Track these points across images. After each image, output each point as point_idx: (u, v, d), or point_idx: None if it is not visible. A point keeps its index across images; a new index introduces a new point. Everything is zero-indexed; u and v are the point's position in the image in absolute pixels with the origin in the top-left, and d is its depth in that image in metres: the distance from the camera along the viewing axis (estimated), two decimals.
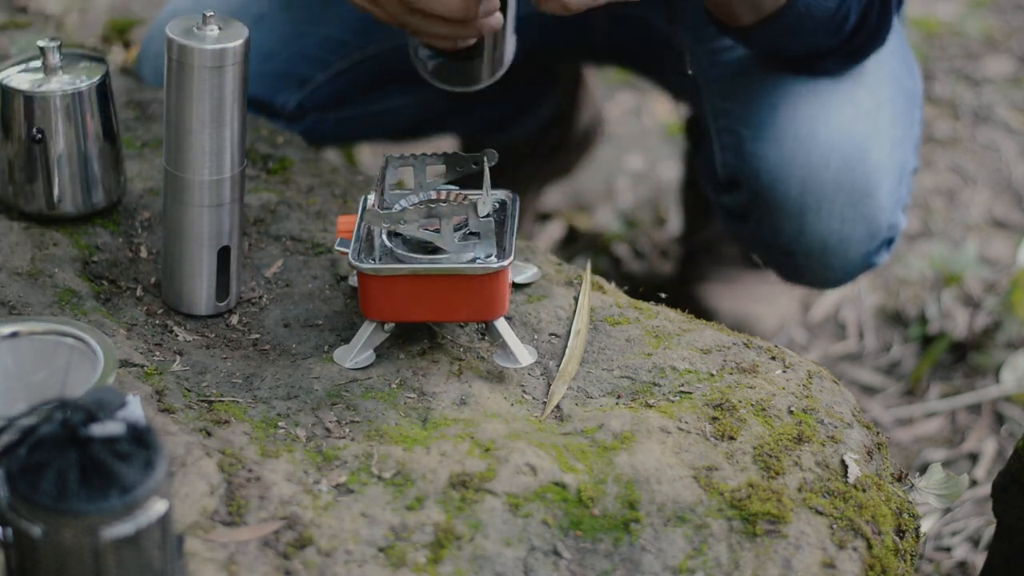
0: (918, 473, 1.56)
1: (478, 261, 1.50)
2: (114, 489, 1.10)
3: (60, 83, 1.67)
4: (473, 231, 1.50)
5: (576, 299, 1.63)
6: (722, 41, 1.92)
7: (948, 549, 2.16)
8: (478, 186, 1.55)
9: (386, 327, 1.54)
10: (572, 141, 2.65)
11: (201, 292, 1.60)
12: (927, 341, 2.55)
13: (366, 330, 1.53)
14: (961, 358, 2.51)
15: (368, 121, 2.22)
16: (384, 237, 1.53)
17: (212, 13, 1.50)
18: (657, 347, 1.57)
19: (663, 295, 1.70)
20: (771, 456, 1.43)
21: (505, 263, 1.49)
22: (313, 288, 1.66)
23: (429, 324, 1.57)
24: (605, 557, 1.34)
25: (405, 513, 1.35)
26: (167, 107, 1.53)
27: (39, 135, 1.67)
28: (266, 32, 2.02)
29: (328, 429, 1.44)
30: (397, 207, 1.55)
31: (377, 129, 2.30)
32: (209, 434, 1.42)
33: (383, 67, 2.11)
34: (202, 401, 1.48)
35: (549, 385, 1.52)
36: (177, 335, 1.59)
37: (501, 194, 1.60)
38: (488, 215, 1.51)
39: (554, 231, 2.79)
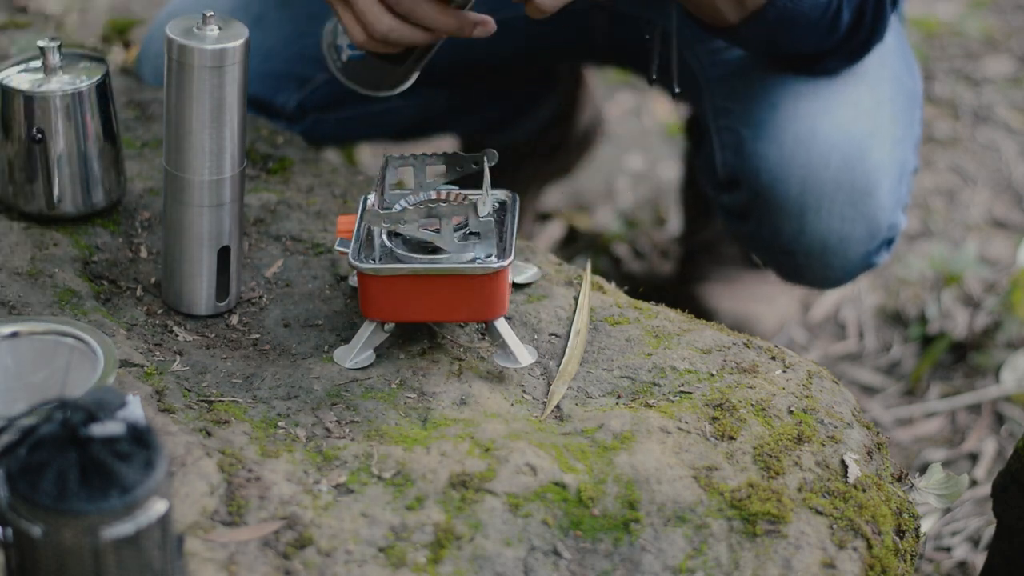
0: (918, 473, 1.56)
1: (478, 261, 1.50)
2: (114, 489, 1.10)
3: (60, 83, 1.67)
4: (473, 231, 1.50)
5: (576, 299, 1.63)
6: (722, 40, 1.92)
7: (948, 549, 2.16)
8: (478, 186, 1.55)
9: (386, 327, 1.54)
10: (572, 141, 2.65)
11: (201, 292, 1.60)
12: (927, 341, 2.55)
13: (366, 330, 1.53)
14: (961, 358, 2.51)
15: (368, 121, 2.22)
16: (384, 237, 1.53)
17: (212, 13, 1.50)
18: (657, 347, 1.57)
19: (654, 303, 1.70)
20: (771, 456, 1.43)
21: (505, 263, 1.49)
22: (313, 288, 1.66)
23: (429, 324, 1.57)
24: (605, 557, 1.34)
25: (405, 513, 1.35)
26: (167, 107, 1.53)
27: (39, 135, 1.67)
28: (266, 32, 2.02)
29: (328, 429, 1.44)
30: (397, 207, 1.55)
31: (377, 129, 2.30)
32: (209, 434, 1.42)
33: None
34: (202, 401, 1.48)
35: (549, 385, 1.52)
36: (177, 335, 1.59)
37: (501, 194, 1.60)
38: (488, 215, 1.51)
39: (554, 231, 2.79)
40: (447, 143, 2.70)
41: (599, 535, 1.36)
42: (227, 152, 1.54)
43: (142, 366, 1.51)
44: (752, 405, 1.48)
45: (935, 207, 2.90)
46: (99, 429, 1.11)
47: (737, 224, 1.98)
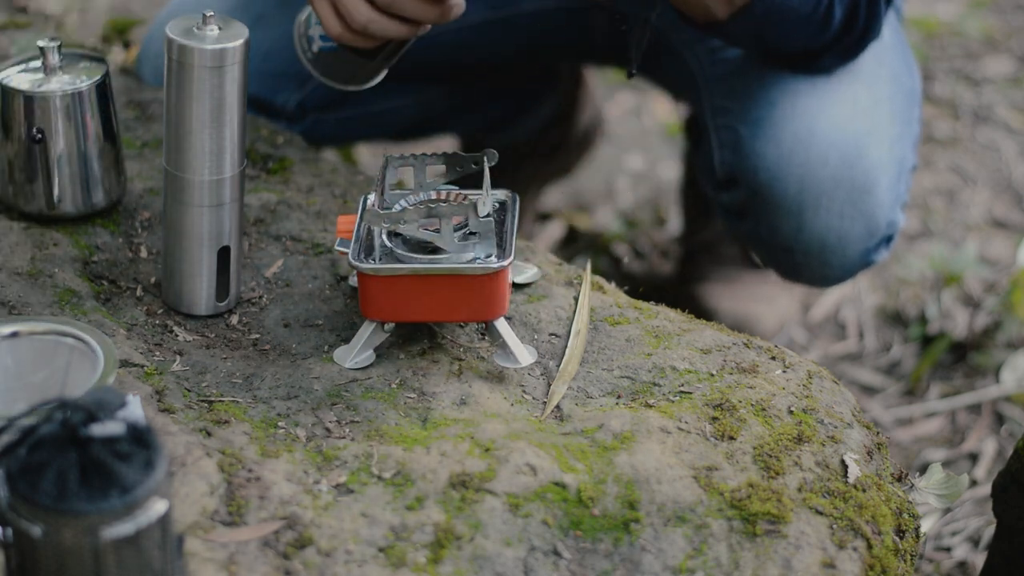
0: (918, 473, 1.56)
1: (478, 261, 1.50)
2: (114, 489, 1.10)
3: (60, 83, 1.67)
4: (473, 231, 1.50)
5: (576, 299, 1.63)
6: (711, 37, 1.91)
7: (948, 549, 2.16)
8: (478, 186, 1.55)
9: (386, 327, 1.54)
10: (572, 141, 2.65)
11: (201, 292, 1.60)
12: (927, 341, 2.55)
13: (366, 330, 1.53)
14: (961, 358, 2.51)
15: (368, 121, 2.22)
16: (384, 237, 1.53)
17: (212, 13, 1.50)
18: (657, 347, 1.57)
19: (654, 303, 1.70)
20: (771, 456, 1.43)
21: (505, 263, 1.49)
22: (313, 288, 1.66)
23: (429, 324, 1.57)
24: (605, 557, 1.34)
25: (405, 513, 1.35)
26: (167, 107, 1.53)
27: (39, 135, 1.67)
28: (266, 31, 2.02)
29: (328, 429, 1.44)
30: (397, 207, 1.55)
31: (377, 129, 2.30)
32: (209, 434, 1.42)
33: None
34: (202, 401, 1.48)
35: (549, 385, 1.52)
36: (177, 335, 1.59)
37: (501, 194, 1.60)
38: (488, 215, 1.51)
39: (554, 231, 2.79)
40: (447, 143, 2.70)
41: (599, 535, 1.36)
42: (227, 152, 1.54)
43: (142, 366, 1.51)
44: (752, 405, 1.48)
45: (935, 207, 2.90)
46: (99, 429, 1.11)
47: (736, 223, 1.98)
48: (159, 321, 1.60)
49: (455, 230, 1.49)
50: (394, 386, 1.50)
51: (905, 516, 1.45)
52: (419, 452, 1.40)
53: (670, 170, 2.99)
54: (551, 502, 1.37)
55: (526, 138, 2.56)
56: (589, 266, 1.69)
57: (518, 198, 1.60)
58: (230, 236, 1.59)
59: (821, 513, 1.39)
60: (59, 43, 1.68)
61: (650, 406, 1.48)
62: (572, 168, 2.71)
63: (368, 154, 2.89)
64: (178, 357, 1.54)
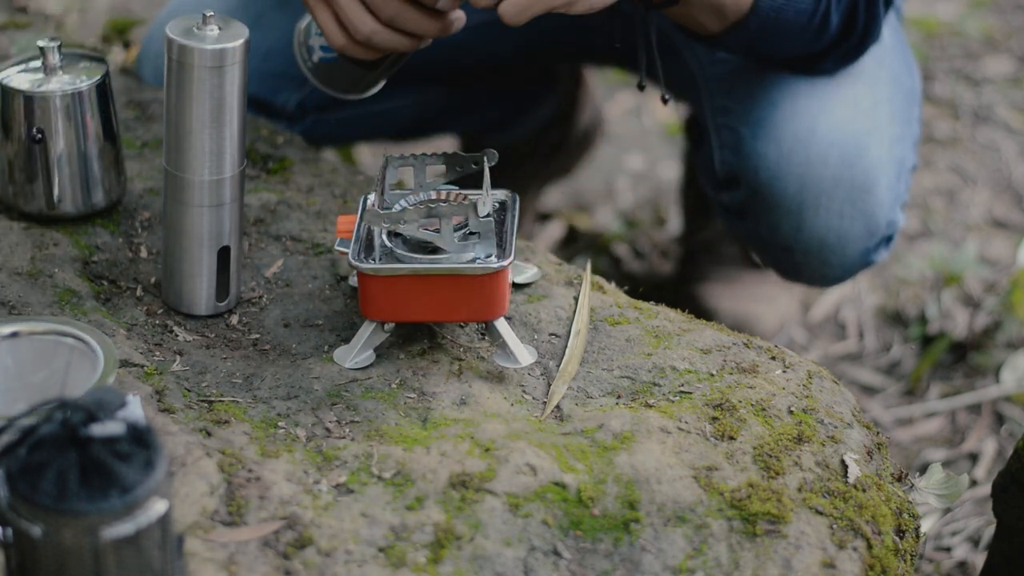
0: (918, 473, 1.56)
1: (478, 261, 1.50)
2: (114, 489, 1.10)
3: (60, 83, 1.67)
4: (473, 231, 1.50)
5: (576, 299, 1.63)
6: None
7: (948, 549, 2.16)
8: (478, 186, 1.55)
9: (386, 327, 1.54)
10: (572, 141, 2.65)
11: (201, 292, 1.60)
12: (927, 341, 2.55)
13: (366, 330, 1.53)
14: (961, 358, 2.51)
15: (368, 121, 2.22)
16: (384, 237, 1.53)
17: (212, 13, 1.49)
18: (657, 347, 1.57)
19: (654, 303, 1.70)
20: (771, 456, 1.43)
21: (505, 263, 1.49)
22: (313, 288, 1.66)
23: (429, 324, 1.57)
24: (605, 557, 1.34)
25: (405, 513, 1.35)
26: (167, 107, 1.53)
27: (39, 135, 1.67)
28: (266, 31, 2.02)
29: (328, 429, 1.44)
30: (397, 207, 1.55)
31: (377, 129, 2.30)
32: (209, 434, 1.42)
33: None
34: (202, 401, 1.48)
35: (549, 385, 1.52)
36: (177, 335, 1.59)
37: (501, 194, 1.60)
38: (488, 215, 1.51)
39: (554, 231, 2.79)
40: (447, 143, 2.70)
41: (599, 535, 1.36)
42: (227, 152, 1.54)
43: (142, 366, 1.51)
44: (752, 405, 1.48)
45: (935, 207, 2.90)
46: (99, 429, 1.11)
47: (736, 222, 1.98)
48: (159, 321, 1.60)
49: (455, 230, 1.49)
50: (394, 386, 1.50)
51: (905, 516, 1.45)
52: (419, 452, 1.40)
53: (670, 170, 2.99)
54: (551, 502, 1.37)
55: (526, 138, 2.56)
56: (589, 266, 1.69)
57: (518, 198, 1.60)
58: (230, 236, 1.59)
59: (821, 513, 1.39)
60: (59, 43, 1.68)
61: (650, 406, 1.48)
62: (572, 168, 2.71)
63: (368, 154, 2.89)
64: (178, 357, 1.54)
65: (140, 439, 1.12)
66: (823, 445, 1.46)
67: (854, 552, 1.38)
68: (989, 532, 2.14)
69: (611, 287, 1.68)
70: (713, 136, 1.97)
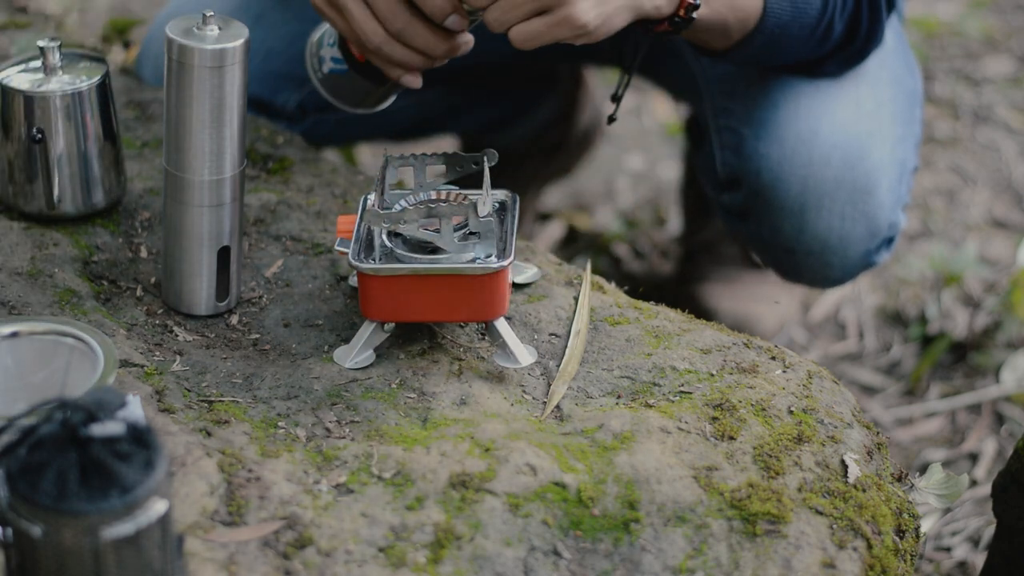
0: (918, 473, 1.56)
1: (478, 261, 1.50)
2: (114, 489, 1.10)
3: (60, 83, 1.67)
4: (473, 231, 1.50)
5: (576, 299, 1.63)
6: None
7: (948, 549, 2.16)
8: (478, 186, 1.55)
9: (386, 327, 1.54)
10: (572, 141, 2.65)
11: (201, 292, 1.60)
12: (927, 341, 2.55)
13: (366, 330, 1.53)
14: (961, 358, 2.51)
15: (368, 121, 2.21)
16: (384, 237, 1.53)
17: (212, 13, 1.49)
18: (657, 347, 1.57)
19: (654, 303, 1.70)
20: (771, 456, 1.43)
21: (505, 263, 1.49)
22: (313, 288, 1.66)
23: (429, 324, 1.57)
24: (605, 557, 1.34)
25: (405, 513, 1.35)
26: (167, 107, 1.53)
27: (39, 135, 1.67)
28: (266, 31, 2.02)
29: (328, 429, 1.44)
30: (397, 207, 1.55)
31: (377, 129, 2.30)
32: (209, 434, 1.42)
33: None
34: (202, 401, 1.48)
35: (549, 385, 1.52)
36: (177, 335, 1.59)
37: (501, 194, 1.60)
38: (488, 215, 1.51)
39: (554, 231, 2.79)
40: (447, 143, 2.70)
41: (599, 535, 1.36)
42: (227, 152, 1.54)
43: (142, 366, 1.51)
44: (752, 405, 1.48)
45: (935, 207, 2.90)
46: (99, 429, 1.11)
47: (737, 224, 1.98)
48: (159, 321, 1.60)
49: (455, 230, 1.50)
50: (394, 386, 1.50)
51: (905, 516, 1.45)
52: (419, 452, 1.40)
53: (670, 170, 2.99)
54: (551, 502, 1.37)
55: (526, 138, 2.56)
56: (589, 266, 1.69)
57: (518, 198, 1.60)
58: (230, 236, 1.59)
59: (821, 513, 1.39)
60: (59, 43, 1.68)
61: (650, 406, 1.48)
62: (572, 168, 2.71)
63: (368, 154, 2.89)
64: (178, 357, 1.54)
65: (140, 439, 1.12)
66: (823, 445, 1.46)
67: (854, 552, 1.38)
68: (989, 532, 2.14)
69: (611, 287, 1.68)
70: (714, 137, 1.97)
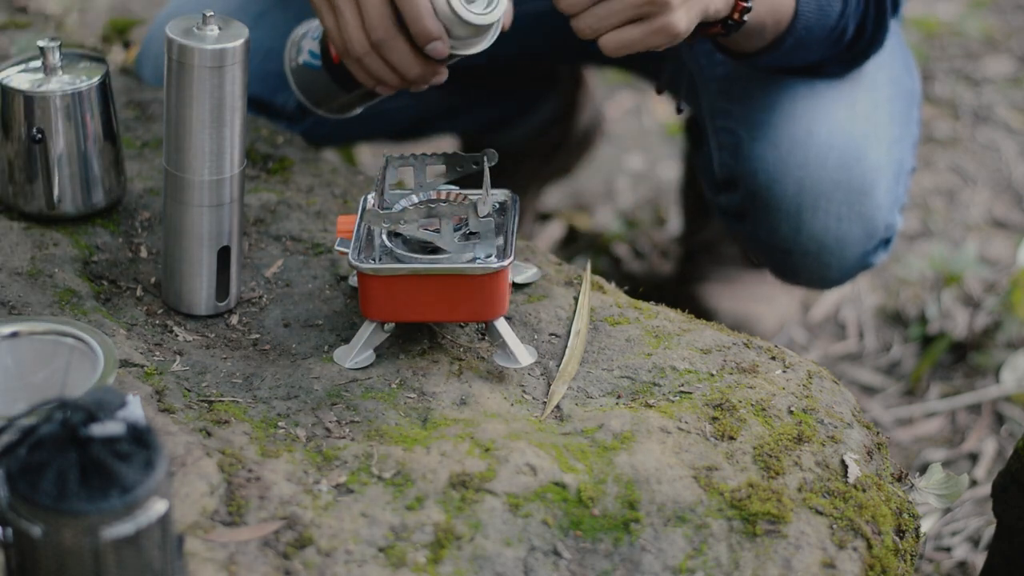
0: (918, 473, 1.56)
1: (478, 261, 1.50)
2: (114, 489, 1.10)
3: (60, 83, 1.67)
4: (473, 231, 1.50)
5: (576, 299, 1.63)
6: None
7: (948, 549, 2.16)
8: (478, 186, 1.56)
9: (386, 327, 1.54)
10: (572, 141, 2.65)
11: (201, 292, 1.60)
12: (927, 341, 2.55)
13: (366, 330, 1.53)
14: (961, 358, 2.51)
15: (368, 121, 2.21)
16: (384, 237, 1.53)
17: (212, 13, 1.49)
18: (657, 347, 1.57)
19: (654, 303, 1.70)
20: (771, 456, 1.43)
21: (505, 263, 1.49)
22: (313, 288, 1.66)
23: (429, 324, 1.57)
24: (605, 557, 1.34)
25: (405, 513, 1.35)
26: (167, 107, 1.53)
27: (39, 135, 1.67)
28: (267, 31, 2.02)
29: (328, 429, 1.44)
30: (397, 207, 1.55)
31: (377, 129, 2.30)
32: (209, 434, 1.42)
33: None
34: (202, 401, 1.48)
35: (549, 385, 1.52)
36: (177, 335, 1.59)
37: (501, 194, 1.60)
38: (488, 215, 1.51)
39: (554, 231, 2.79)
40: (447, 143, 2.70)
41: (599, 535, 1.36)
42: (227, 152, 1.54)
43: (142, 366, 1.51)
44: (752, 405, 1.48)
45: (935, 207, 2.90)
46: (99, 429, 1.11)
47: (735, 224, 1.98)
48: (159, 321, 1.61)
49: (455, 230, 1.50)
50: (394, 386, 1.50)
51: (905, 516, 1.45)
52: (419, 452, 1.40)
53: (670, 170, 2.99)
54: (551, 502, 1.37)
55: (526, 138, 2.56)
56: (589, 266, 1.69)
57: (518, 198, 1.60)
58: (230, 236, 1.59)
59: (821, 513, 1.39)
60: (59, 43, 1.68)
61: (650, 406, 1.48)
62: (572, 168, 2.71)
63: (368, 154, 2.89)
64: (178, 357, 1.54)
65: (140, 439, 1.13)
66: (823, 445, 1.46)
67: (854, 552, 1.38)
68: (989, 532, 2.14)
69: (611, 287, 1.68)
70: (712, 138, 1.97)
